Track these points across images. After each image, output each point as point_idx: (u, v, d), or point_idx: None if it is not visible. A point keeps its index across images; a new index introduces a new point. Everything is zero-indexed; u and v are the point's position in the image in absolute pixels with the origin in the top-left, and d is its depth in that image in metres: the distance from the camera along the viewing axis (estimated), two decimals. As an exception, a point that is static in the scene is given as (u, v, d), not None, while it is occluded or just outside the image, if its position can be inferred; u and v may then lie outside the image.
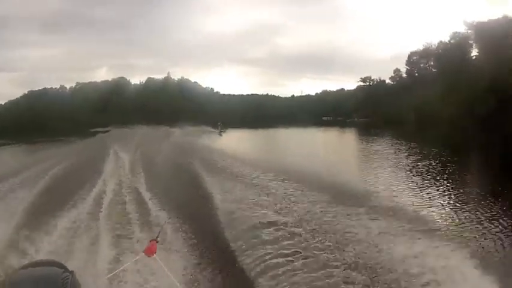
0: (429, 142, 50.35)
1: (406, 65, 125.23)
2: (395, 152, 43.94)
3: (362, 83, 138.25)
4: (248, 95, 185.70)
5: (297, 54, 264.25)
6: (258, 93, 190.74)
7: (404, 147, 48.63)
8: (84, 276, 6.11)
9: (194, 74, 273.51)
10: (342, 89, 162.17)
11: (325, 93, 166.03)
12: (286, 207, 15.64)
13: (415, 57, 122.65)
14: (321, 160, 36.99)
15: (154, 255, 5.81)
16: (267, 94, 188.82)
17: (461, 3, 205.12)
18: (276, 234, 11.71)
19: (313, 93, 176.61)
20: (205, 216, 14.80)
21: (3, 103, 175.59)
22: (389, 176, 28.50)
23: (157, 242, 5.98)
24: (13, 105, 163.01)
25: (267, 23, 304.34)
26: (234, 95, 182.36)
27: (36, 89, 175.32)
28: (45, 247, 11.27)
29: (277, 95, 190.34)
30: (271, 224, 12.72)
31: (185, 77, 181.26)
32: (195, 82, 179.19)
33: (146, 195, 18.86)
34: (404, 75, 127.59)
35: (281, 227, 12.41)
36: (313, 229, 12.59)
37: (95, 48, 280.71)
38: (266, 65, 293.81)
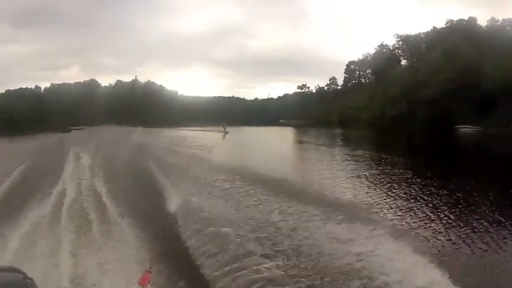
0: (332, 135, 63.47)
1: (345, 73, 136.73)
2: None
3: (300, 90, 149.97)
4: (214, 97, 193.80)
5: (265, 56, 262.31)
6: (226, 95, 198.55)
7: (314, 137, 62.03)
8: (44, 283, 7.01)
9: (162, 73, 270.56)
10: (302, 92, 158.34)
11: (286, 97, 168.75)
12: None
13: (352, 66, 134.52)
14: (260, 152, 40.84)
15: (149, 285, 5.84)
16: (233, 96, 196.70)
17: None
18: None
19: (279, 95, 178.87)
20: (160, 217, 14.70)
21: None
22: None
23: (150, 272, 6.16)
24: None
25: (235, 24, 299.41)
26: (199, 96, 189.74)
27: (12, 88, 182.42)
28: (2, 252, 10.53)
29: (243, 97, 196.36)
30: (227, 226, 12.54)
31: (151, 80, 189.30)
32: (160, 85, 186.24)
33: (103, 189, 18.99)
34: (340, 82, 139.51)
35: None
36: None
37: (63, 45, 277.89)
38: (234, 67, 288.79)
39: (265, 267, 9.67)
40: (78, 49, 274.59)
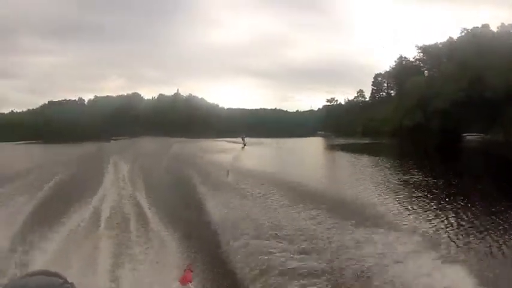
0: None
1: (372, 85, 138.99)
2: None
3: (328, 103, 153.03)
4: (258, 109, 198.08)
5: (307, 66, 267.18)
6: (269, 107, 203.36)
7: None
8: (83, 288, 7.25)
9: (204, 85, 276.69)
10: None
11: (324, 108, 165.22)
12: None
13: (379, 78, 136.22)
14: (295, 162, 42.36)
15: (190, 284, 5.83)
16: (276, 108, 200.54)
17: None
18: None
19: (319, 107, 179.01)
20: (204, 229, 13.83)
21: (20, 110, 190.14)
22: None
23: (191, 271, 6.02)
24: (33, 113, 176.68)
25: (275, 35, 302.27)
26: (242, 109, 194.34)
27: (56, 99, 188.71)
28: (43, 257, 10.57)
29: (285, 109, 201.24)
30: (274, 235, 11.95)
31: (193, 93, 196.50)
32: (201, 98, 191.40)
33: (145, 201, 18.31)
34: (367, 94, 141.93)
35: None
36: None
37: (107, 57, 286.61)
38: (277, 78, 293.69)
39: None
40: (121, 61, 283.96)
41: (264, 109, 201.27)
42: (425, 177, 24.78)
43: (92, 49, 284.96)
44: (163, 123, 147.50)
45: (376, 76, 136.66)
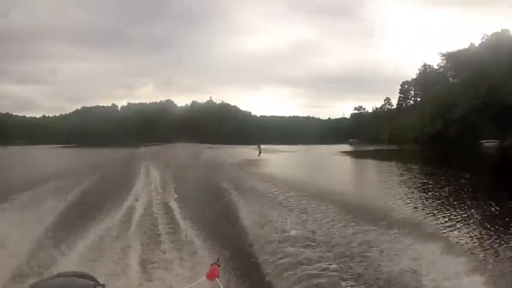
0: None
1: (399, 92, 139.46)
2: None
3: (356, 111, 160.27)
4: (290, 116, 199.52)
5: (339, 73, 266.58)
6: (302, 115, 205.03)
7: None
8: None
9: (237, 92, 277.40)
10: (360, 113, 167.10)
11: (354, 116, 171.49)
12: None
13: (406, 86, 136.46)
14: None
15: (217, 279, 5.75)
16: (308, 116, 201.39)
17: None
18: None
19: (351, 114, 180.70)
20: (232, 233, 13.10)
21: (52, 115, 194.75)
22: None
23: (218, 265, 5.95)
24: (65, 118, 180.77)
25: (307, 43, 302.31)
26: (274, 116, 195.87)
27: (89, 105, 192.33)
28: (74, 258, 10.39)
29: (318, 116, 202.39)
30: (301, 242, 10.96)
31: (225, 100, 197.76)
32: (234, 106, 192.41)
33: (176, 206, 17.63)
34: (394, 102, 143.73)
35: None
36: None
37: (139, 65, 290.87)
38: (309, 85, 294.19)
39: None
40: (154, 68, 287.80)
41: (297, 117, 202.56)
42: (448, 185, 23.21)
43: (125, 56, 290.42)
44: (196, 130, 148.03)
45: (403, 84, 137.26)
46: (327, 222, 12.60)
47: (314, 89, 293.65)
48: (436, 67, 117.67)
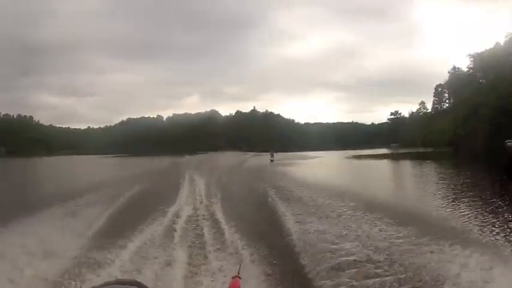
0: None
1: (434, 96, 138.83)
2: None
3: (393, 116, 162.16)
4: (334, 123, 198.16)
5: (382, 77, 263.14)
6: (346, 120, 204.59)
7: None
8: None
9: (279, 99, 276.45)
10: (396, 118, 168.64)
11: (391, 121, 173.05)
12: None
13: (440, 89, 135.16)
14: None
15: None
16: (352, 122, 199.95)
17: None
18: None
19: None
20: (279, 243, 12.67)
21: (97, 126, 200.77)
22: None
23: (239, 278, 5.86)
24: (110, 129, 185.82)
25: (348, 47, 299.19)
26: (318, 123, 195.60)
27: (134, 116, 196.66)
28: (120, 265, 10.51)
29: (362, 122, 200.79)
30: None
31: (269, 108, 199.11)
32: (278, 114, 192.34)
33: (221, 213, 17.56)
34: (429, 106, 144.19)
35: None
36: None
37: (184, 75, 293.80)
38: (352, 90, 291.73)
39: None
40: (196, 79, 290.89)
41: (341, 123, 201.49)
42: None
43: (168, 67, 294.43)
44: (240, 138, 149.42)
45: (437, 87, 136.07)
46: (383, 238, 11.36)
47: (357, 93, 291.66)
48: (465, 69, 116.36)
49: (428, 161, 50.80)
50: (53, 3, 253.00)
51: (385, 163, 58.57)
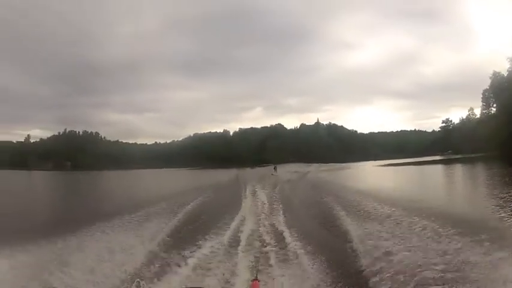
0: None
1: (482, 101, 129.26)
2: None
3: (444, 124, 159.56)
4: (398, 131, 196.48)
5: (442, 82, 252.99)
6: (408, 128, 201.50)
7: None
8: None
9: (340, 109, 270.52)
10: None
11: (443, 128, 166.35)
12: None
13: (486, 93, 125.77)
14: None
15: None
16: (415, 130, 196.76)
17: None
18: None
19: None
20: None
21: (164, 141, 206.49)
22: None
23: (258, 281, 5.84)
24: (177, 144, 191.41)
25: (407, 52, 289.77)
26: (382, 132, 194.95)
27: (201, 132, 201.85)
28: (185, 274, 10.81)
29: (424, 129, 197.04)
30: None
31: (332, 119, 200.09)
32: (341, 126, 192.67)
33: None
34: (477, 112, 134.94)
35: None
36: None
37: (246, 89, 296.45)
38: (414, 97, 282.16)
39: None
40: (260, 92, 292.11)
41: (404, 131, 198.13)
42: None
43: (227, 82, 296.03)
44: (304, 150, 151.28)
45: (484, 92, 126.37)
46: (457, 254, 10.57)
47: (419, 100, 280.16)
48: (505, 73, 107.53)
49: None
50: (113, 25, 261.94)
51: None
